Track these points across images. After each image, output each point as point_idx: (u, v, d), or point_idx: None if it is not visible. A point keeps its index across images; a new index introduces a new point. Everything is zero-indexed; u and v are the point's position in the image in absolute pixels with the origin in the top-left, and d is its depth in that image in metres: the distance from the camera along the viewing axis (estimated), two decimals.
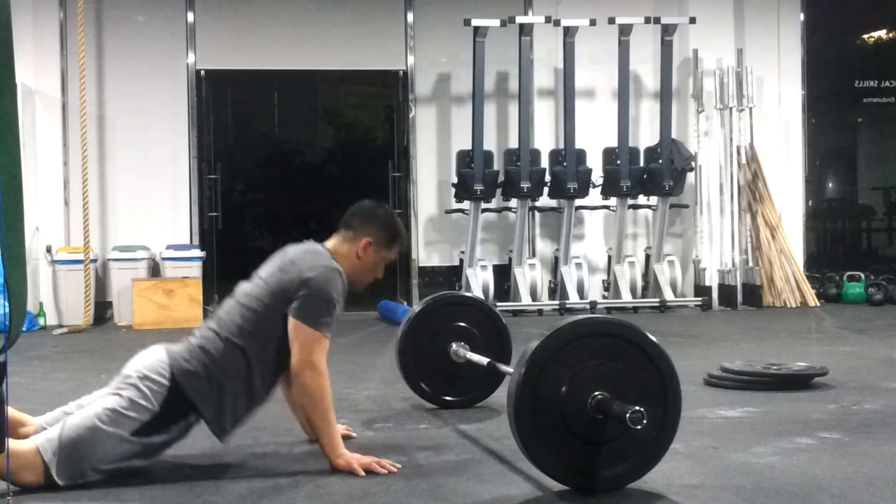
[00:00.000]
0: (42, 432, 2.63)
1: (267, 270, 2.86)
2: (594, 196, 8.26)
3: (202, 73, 8.47)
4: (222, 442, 2.78)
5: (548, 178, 8.10)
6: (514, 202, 8.13)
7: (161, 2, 8.43)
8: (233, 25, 8.54)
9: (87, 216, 7.45)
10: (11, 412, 2.71)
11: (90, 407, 2.67)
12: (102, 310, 7.87)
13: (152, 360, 2.72)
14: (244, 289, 2.87)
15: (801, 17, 9.01)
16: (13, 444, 2.52)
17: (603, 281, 8.50)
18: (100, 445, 2.58)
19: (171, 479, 2.66)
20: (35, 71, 7.83)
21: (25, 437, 2.63)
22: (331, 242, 2.96)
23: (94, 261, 7.69)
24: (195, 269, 7.71)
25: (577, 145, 8.12)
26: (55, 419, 2.73)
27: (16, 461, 2.50)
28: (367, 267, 2.94)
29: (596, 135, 8.29)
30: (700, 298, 8.17)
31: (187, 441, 3.02)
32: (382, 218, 2.99)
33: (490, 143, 8.29)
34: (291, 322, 2.73)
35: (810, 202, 9.30)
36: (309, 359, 2.71)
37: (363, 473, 2.64)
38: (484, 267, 8.07)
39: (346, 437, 3.10)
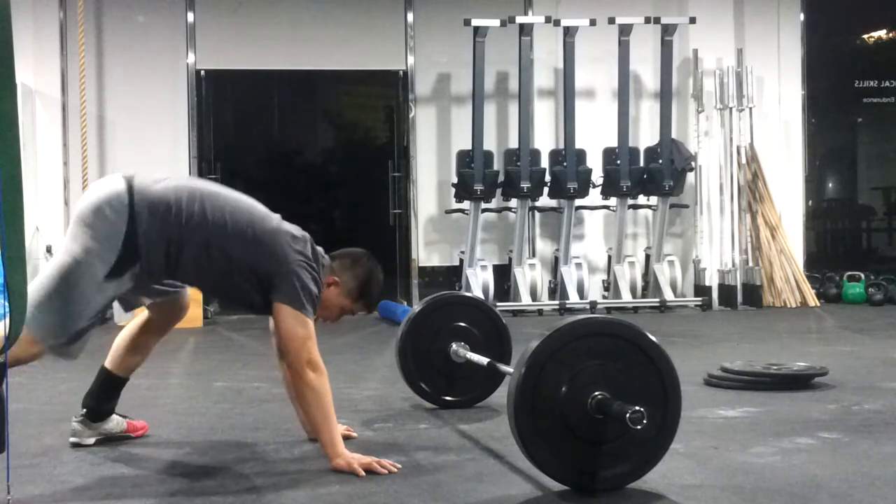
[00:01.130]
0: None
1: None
2: (594, 196, 8.27)
3: (202, 73, 8.48)
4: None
5: (548, 178, 8.10)
6: (514, 202, 8.14)
7: (161, 2, 8.43)
8: (233, 25, 8.54)
9: None
10: None
11: (56, 256, 2.65)
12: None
13: (109, 190, 2.68)
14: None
15: (801, 17, 9.01)
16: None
17: (603, 281, 8.51)
18: (82, 295, 2.59)
19: (170, 480, 2.66)
20: (35, 71, 7.84)
21: None
22: None
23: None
24: None
25: (577, 145, 8.12)
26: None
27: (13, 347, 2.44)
28: (325, 304, 2.90)
29: (596, 135, 8.29)
30: (700, 298, 8.18)
31: (187, 441, 3.03)
32: (363, 271, 2.97)
33: (490, 143, 8.30)
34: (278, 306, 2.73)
35: (810, 202, 9.30)
36: (309, 357, 2.71)
37: (363, 473, 2.64)
38: (484, 267, 8.07)
39: (346, 437, 3.10)
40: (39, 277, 2.63)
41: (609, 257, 8.45)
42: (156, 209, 2.68)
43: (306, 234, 2.87)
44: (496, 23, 7.89)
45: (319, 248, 2.91)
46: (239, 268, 2.75)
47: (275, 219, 2.86)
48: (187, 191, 2.77)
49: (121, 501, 2.46)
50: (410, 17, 8.67)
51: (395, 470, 2.68)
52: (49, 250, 7.73)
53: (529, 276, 8.11)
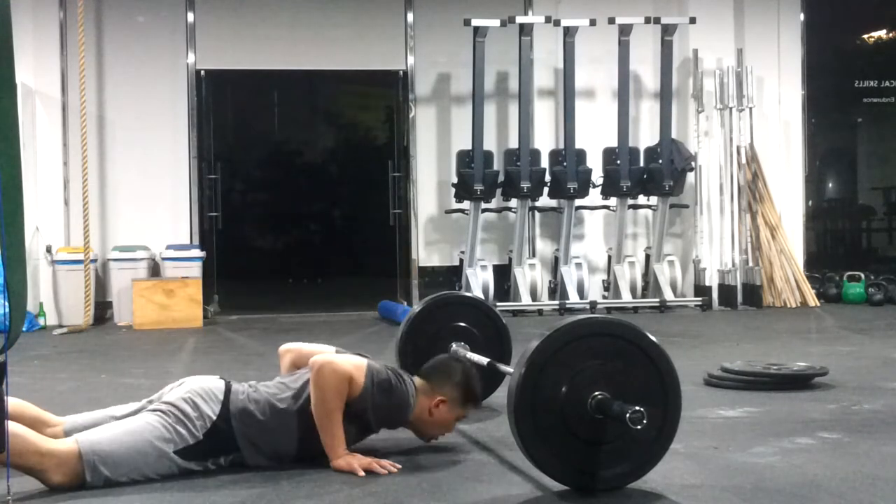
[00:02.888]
0: (85, 432, 2.62)
1: None
2: (594, 196, 8.26)
3: (202, 73, 8.47)
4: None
5: (548, 178, 8.10)
6: (514, 202, 8.13)
7: (161, 2, 8.43)
8: (233, 25, 8.54)
9: (87, 216, 7.45)
10: (35, 410, 2.75)
11: (141, 417, 2.68)
12: (102, 310, 7.87)
13: (208, 386, 2.77)
14: None
15: (801, 17, 9.01)
16: (48, 443, 2.53)
17: (603, 281, 8.50)
18: (145, 457, 2.61)
19: (170, 480, 2.65)
20: (35, 71, 7.83)
21: (54, 437, 2.63)
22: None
23: (94, 261, 7.70)
24: (195, 269, 7.71)
25: (577, 145, 8.12)
26: (95, 421, 2.73)
27: (49, 460, 2.50)
28: (438, 423, 2.93)
29: (596, 135, 8.29)
30: (700, 298, 8.17)
31: None
32: (461, 377, 2.96)
33: (490, 143, 8.29)
34: None
35: (810, 202, 9.30)
36: (333, 361, 2.76)
37: (363, 473, 2.64)
38: (484, 267, 8.07)
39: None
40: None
41: (609, 257, 8.45)
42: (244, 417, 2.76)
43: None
44: (496, 23, 7.88)
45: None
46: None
47: None
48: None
49: (120, 501, 2.46)
50: (410, 17, 8.67)
51: (395, 470, 2.68)
52: (49, 250, 7.74)
53: (529, 276, 8.11)
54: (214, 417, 2.69)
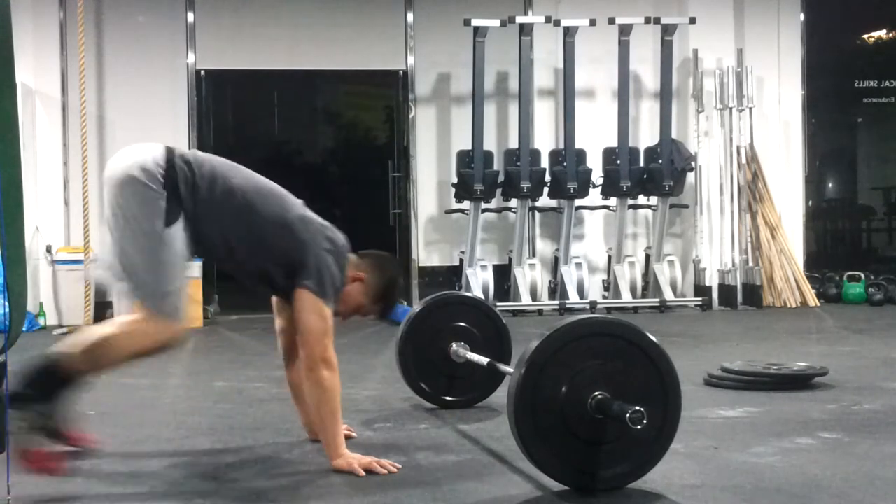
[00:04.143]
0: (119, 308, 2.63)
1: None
2: (594, 196, 8.26)
3: (202, 73, 8.48)
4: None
5: (548, 178, 8.10)
6: (514, 202, 8.13)
7: (161, 2, 8.43)
8: (233, 25, 8.54)
9: (87, 216, 7.44)
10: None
11: (119, 244, 2.66)
12: (102, 310, 7.85)
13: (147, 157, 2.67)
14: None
15: (801, 17, 9.01)
16: (120, 324, 2.59)
17: (603, 281, 8.50)
18: (159, 256, 2.60)
19: (170, 480, 2.66)
20: (35, 71, 7.83)
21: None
22: None
23: (95, 261, 7.69)
24: (195, 269, 7.70)
25: (577, 145, 8.12)
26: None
27: (130, 340, 2.56)
28: (344, 299, 2.88)
29: (596, 135, 8.29)
30: (700, 298, 8.17)
31: (187, 441, 3.03)
32: (389, 280, 2.95)
33: (490, 143, 8.29)
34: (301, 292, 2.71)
35: (810, 202, 9.30)
36: (324, 354, 2.70)
37: (363, 473, 2.64)
38: (484, 267, 8.07)
39: (346, 437, 3.11)
40: (130, 262, 2.64)
41: (609, 257, 8.44)
42: (191, 168, 2.68)
43: (337, 231, 2.88)
44: (496, 23, 7.88)
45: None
46: (270, 247, 2.74)
47: (305, 208, 2.87)
48: (226, 164, 2.81)
49: (120, 501, 2.46)
50: (410, 17, 8.67)
51: (395, 470, 2.68)
52: (49, 250, 7.74)
53: (529, 276, 8.11)
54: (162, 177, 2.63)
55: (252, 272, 2.80)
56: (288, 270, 2.74)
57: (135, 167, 2.63)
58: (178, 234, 2.63)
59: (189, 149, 2.77)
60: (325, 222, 2.85)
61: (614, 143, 8.17)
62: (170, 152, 2.69)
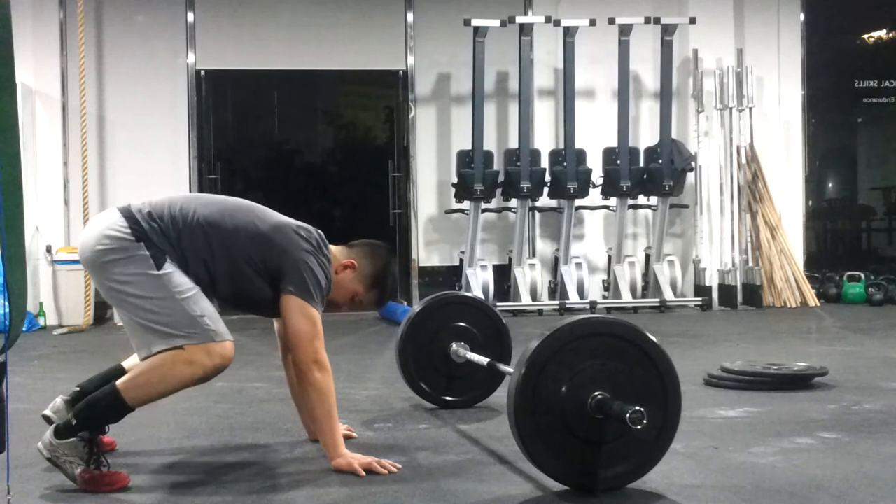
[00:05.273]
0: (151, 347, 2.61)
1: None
2: (594, 196, 8.27)
3: (202, 73, 8.48)
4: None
5: (548, 178, 8.10)
6: (514, 202, 8.13)
7: (161, 2, 8.43)
8: (233, 25, 8.54)
9: (87, 216, 7.45)
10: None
11: (130, 311, 2.62)
12: (102, 310, 7.87)
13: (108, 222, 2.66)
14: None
15: (801, 17, 9.01)
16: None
17: (603, 281, 8.50)
18: (170, 291, 2.59)
19: (170, 480, 2.66)
20: (35, 71, 7.83)
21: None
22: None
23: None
24: None
25: (577, 145, 8.12)
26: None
27: (170, 370, 2.56)
28: (336, 287, 2.88)
29: (596, 135, 8.29)
30: (700, 298, 8.17)
31: (187, 441, 3.03)
32: (382, 264, 2.95)
33: (490, 143, 8.29)
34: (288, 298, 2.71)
35: (810, 202, 9.30)
36: (315, 356, 2.70)
37: (363, 473, 2.64)
38: (484, 267, 8.07)
39: (346, 437, 3.11)
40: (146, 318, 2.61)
41: (609, 257, 8.45)
42: (153, 218, 2.67)
43: (311, 227, 2.86)
44: (496, 23, 7.88)
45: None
46: (247, 261, 2.71)
47: (277, 215, 2.86)
48: (182, 198, 2.78)
49: (120, 502, 2.46)
50: (410, 17, 8.67)
51: (395, 470, 2.68)
52: (49, 250, 7.74)
53: (529, 276, 8.11)
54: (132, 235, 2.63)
55: (241, 293, 2.77)
56: (271, 281, 2.74)
57: (100, 238, 2.62)
58: (174, 269, 2.62)
59: (145, 201, 2.75)
60: (298, 223, 2.83)
61: (614, 143, 8.17)
62: (127, 210, 2.69)
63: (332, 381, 2.74)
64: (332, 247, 2.91)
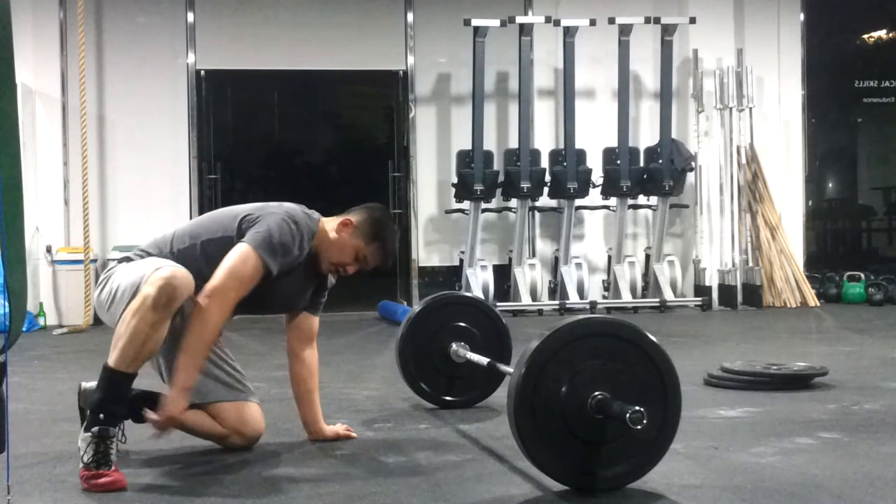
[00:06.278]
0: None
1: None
2: (594, 196, 8.27)
3: (202, 73, 8.47)
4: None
5: (548, 178, 8.10)
6: (514, 202, 8.13)
7: (161, 2, 8.43)
8: (233, 25, 8.54)
9: (87, 216, 7.44)
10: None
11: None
12: None
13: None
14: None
15: (801, 17, 9.01)
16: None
17: (603, 281, 8.50)
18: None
19: (170, 480, 2.66)
20: (35, 71, 7.83)
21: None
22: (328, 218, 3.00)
23: (94, 261, 7.69)
24: None
25: (577, 145, 8.12)
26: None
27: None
28: (338, 247, 2.90)
29: (596, 135, 8.29)
30: (700, 298, 8.17)
31: (186, 441, 3.02)
32: (378, 216, 2.97)
33: (490, 143, 8.29)
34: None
35: (810, 202, 9.30)
36: (223, 292, 2.68)
37: (160, 431, 2.68)
38: (484, 267, 8.07)
39: (346, 437, 3.11)
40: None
41: (609, 257, 8.45)
42: (146, 249, 2.86)
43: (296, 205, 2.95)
44: (496, 23, 7.88)
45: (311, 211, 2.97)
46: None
47: (251, 207, 2.93)
48: (165, 232, 2.94)
49: (120, 502, 2.46)
50: (410, 17, 8.67)
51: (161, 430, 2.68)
52: (49, 250, 7.73)
53: (529, 276, 8.11)
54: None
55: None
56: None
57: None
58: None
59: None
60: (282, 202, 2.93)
61: (614, 143, 8.17)
62: (126, 258, 2.86)
63: (220, 324, 2.72)
64: (326, 218, 2.96)
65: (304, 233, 2.84)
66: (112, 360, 2.58)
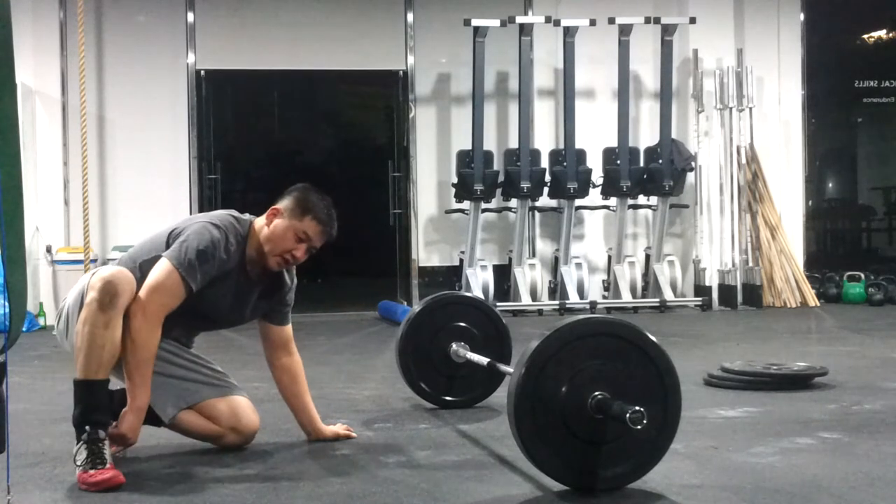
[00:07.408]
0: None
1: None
2: (594, 196, 8.26)
3: (202, 73, 8.47)
4: None
5: (548, 178, 8.10)
6: (514, 202, 8.13)
7: (161, 2, 8.43)
8: (233, 25, 8.53)
9: (87, 216, 7.44)
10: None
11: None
12: None
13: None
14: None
15: (801, 17, 9.01)
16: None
17: (603, 281, 8.50)
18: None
19: (170, 480, 2.66)
20: (35, 71, 7.83)
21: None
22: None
23: (94, 261, 7.69)
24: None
25: (577, 145, 8.12)
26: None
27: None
28: (275, 236, 2.89)
29: (596, 135, 8.29)
30: (700, 298, 8.17)
31: (186, 441, 3.02)
32: (301, 193, 2.97)
33: (490, 143, 8.29)
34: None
35: (810, 202, 9.29)
36: (147, 307, 2.68)
37: (121, 449, 2.74)
38: (484, 267, 8.07)
39: (346, 438, 3.11)
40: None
41: (609, 257, 8.45)
42: None
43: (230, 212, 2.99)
44: (496, 23, 7.88)
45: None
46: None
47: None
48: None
49: (120, 501, 2.46)
50: (410, 17, 8.67)
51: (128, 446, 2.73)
52: (49, 250, 7.73)
53: (529, 276, 8.11)
54: None
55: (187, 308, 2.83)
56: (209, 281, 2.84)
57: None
58: None
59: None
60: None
61: (614, 143, 8.17)
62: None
63: (155, 339, 2.70)
64: (259, 217, 2.98)
65: (230, 235, 2.86)
66: (78, 372, 2.62)
